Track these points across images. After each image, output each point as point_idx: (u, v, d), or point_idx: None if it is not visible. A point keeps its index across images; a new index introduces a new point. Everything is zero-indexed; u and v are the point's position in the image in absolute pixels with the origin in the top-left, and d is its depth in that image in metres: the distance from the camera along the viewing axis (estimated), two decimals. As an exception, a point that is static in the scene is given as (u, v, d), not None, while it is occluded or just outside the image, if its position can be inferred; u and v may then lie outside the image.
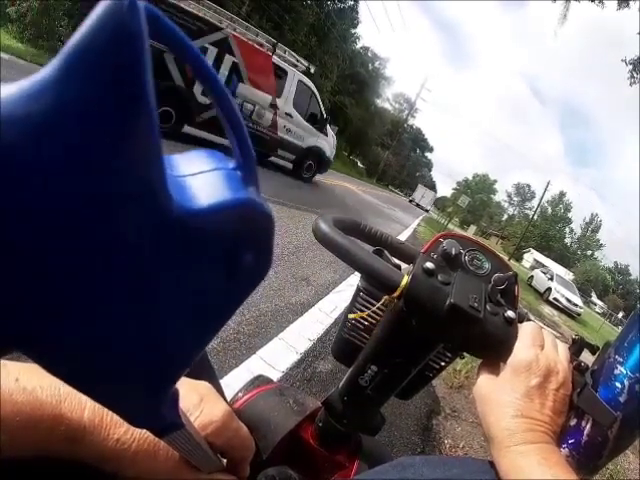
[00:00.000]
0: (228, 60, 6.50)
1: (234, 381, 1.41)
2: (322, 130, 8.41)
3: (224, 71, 6.46)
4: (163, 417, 0.21)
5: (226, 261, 0.15)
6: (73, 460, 0.28)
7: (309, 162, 8.48)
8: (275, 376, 1.59)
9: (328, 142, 8.70)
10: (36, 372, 0.28)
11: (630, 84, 11.49)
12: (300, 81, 7.66)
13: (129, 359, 0.15)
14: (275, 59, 7.17)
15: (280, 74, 7.34)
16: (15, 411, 0.25)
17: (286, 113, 7.50)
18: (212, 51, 6.31)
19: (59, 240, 0.11)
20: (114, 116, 0.11)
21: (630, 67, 11.29)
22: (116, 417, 0.29)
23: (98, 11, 0.10)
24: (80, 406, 0.28)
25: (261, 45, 7.04)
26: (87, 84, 0.10)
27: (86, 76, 0.10)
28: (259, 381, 0.67)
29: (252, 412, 0.57)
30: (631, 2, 10.90)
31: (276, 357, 1.74)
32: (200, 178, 0.14)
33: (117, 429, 0.29)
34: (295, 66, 7.81)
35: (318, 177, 9.73)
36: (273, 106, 7.22)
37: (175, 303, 0.15)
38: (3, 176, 0.10)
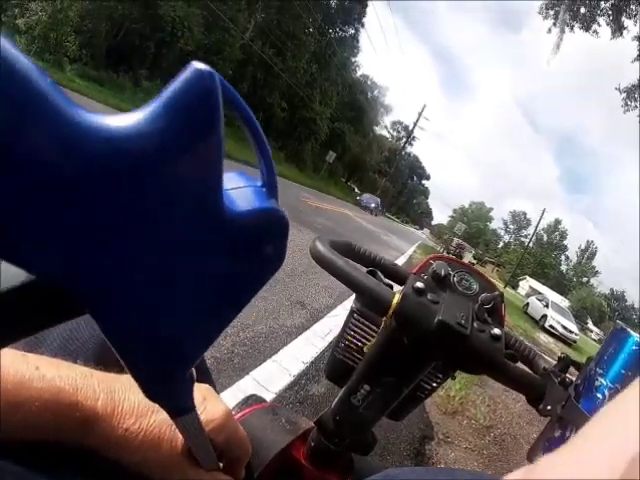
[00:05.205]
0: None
1: (226, 401, 1.40)
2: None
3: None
4: (177, 397, 0.23)
5: (254, 250, 0.19)
6: (81, 445, 0.30)
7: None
8: (268, 398, 1.57)
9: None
10: (55, 364, 0.30)
11: (624, 111, 11.75)
12: None
13: (162, 333, 0.19)
14: None
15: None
16: (34, 396, 0.27)
17: None
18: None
19: (142, 229, 0.15)
20: (198, 151, 0.15)
21: (624, 95, 11.56)
22: (126, 408, 0.31)
23: (187, 75, 0.14)
24: (94, 395, 0.30)
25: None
26: (178, 128, 0.14)
27: (177, 122, 0.14)
28: (252, 400, 0.67)
29: (244, 430, 0.58)
30: (624, 31, 11.26)
31: (269, 379, 1.73)
32: (239, 191, 0.19)
33: (127, 420, 0.31)
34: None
35: (319, 204, 12.16)
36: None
37: (209, 285, 0.19)
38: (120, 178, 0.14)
